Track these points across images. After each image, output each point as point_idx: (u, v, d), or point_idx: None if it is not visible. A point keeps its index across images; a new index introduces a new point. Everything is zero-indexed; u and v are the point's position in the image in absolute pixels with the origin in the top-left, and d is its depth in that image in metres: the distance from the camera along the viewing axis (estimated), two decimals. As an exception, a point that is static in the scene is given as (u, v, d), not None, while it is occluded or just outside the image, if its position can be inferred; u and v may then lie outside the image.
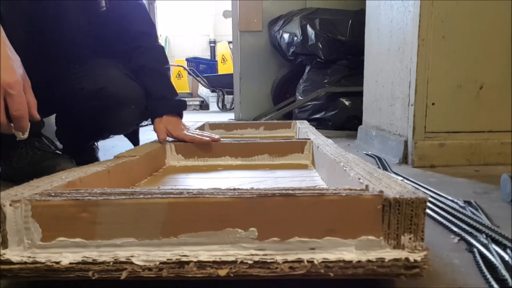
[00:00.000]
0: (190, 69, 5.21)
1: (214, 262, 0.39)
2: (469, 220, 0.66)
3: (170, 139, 1.01)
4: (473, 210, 0.73)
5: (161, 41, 5.40)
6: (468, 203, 0.78)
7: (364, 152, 1.46)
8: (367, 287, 0.44)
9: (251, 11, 2.78)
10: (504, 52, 1.18)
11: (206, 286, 0.43)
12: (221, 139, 1.02)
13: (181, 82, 5.91)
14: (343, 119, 2.19)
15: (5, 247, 0.41)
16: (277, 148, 0.99)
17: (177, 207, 0.40)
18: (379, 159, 1.30)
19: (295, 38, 2.36)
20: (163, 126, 0.99)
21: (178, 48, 6.71)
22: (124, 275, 0.39)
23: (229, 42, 5.04)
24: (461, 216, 0.68)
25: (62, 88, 1.01)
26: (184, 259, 0.39)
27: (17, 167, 1.00)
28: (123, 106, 1.01)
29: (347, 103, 2.19)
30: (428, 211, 0.72)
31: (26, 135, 0.67)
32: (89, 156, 1.22)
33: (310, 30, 2.29)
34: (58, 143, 1.21)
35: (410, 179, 0.99)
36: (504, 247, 0.54)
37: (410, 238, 0.40)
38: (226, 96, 5.03)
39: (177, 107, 1.03)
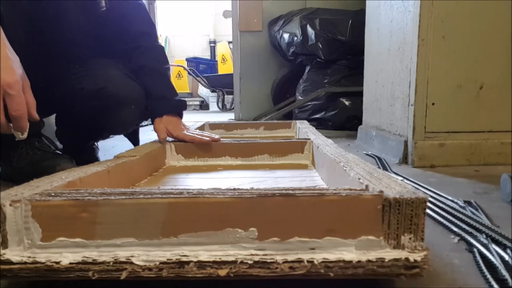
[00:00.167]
0: (190, 69, 5.21)
1: (214, 262, 0.39)
2: (469, 220, 0.66)
3: (170, 139, 1.01)
4: (473, 210, 0.73)
5: (161, 41, 5.41)
6: (468, 203, 0.78)
7: (364, 152, 1.46)
8: (367, 287, 0.44)
9: (251, 11, 2.78)
10: (504, 52, 1.18)
11: (206, 286, 0.43)
12: (221, 139, 1.02)
13: (181, 82, 5.91)
14: (343, 119, 2.19)
15: (5, 247, 0.41)
16: (277, 148, 0.99)
17: (177, 207, 0.40)
18: (379, 159, 1.30)
19: (295, 38, 2.36)
20: (163, 126, 0.99)
21: (178, 48, 6.71)
22: (124, 275, 0.39)
23: (229, 42, 5.04)
24: (461, 216, 0.68)
25: (62, 88, 1.01)
26: (184, 259, 0.39)
27: (17, 167, 1.00)
28: (123, 106, 1.01)
29: (347, 103, 2.19)
30: (428, 211, 0.72)
31: (26, 135, 0.67)
32: (89, 156, 1.22)
33: (310, 30, 2.29)
34: (58, 143, 1.21)
35: (410, 179, 0.99)
36: (504, 247, 0.54)
37: (410, 238, 0.40)
38: (226, 96, 5.03)
39: (177, 107, 1.03)
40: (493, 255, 0.52)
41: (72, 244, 0.41)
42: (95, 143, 1.29)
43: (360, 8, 2.17)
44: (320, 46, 2.25)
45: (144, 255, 0.40)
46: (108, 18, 1.03)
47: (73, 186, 0.53)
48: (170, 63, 1.17)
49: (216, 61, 6.06)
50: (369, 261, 0.39)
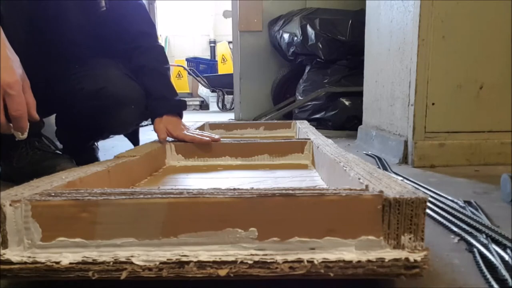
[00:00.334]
0: (190, 69, 5.21)
1: (214, 262, 0.39)
2: (469, 220, 0.66)
3: (170, 139, 1.01)
4: (473, 210, 0.73)
5: (161, 41, 5.41)
6: (468, 203, 0.78)
7: (364, 152, 1.46)
8: (367, 287, 0.44)
9: (251, 11, 2.78)
10: (504, 52, 1.18)
11: (206, 286, 0.43)
12: (221, 139, 1.02)
13: (181, 82, 5.91)
14: (343, 119, 2.19)
15: (5, 247, 0.41)
16: (277, 148, 0.99)
17: (177, 207, 0.40)
18: (379, 159, 1.30)
19: (295, 38, 2.36)
20: (163, 126, 0.99)
21: (178, 48, 6.71)
22: (124, 275, 0.39)
23: (229, 42, 5.04)
24: (461, 216, 0.68)
25: (62, 88, 1.01)
26: (184, 259, 0.39)
27: (17, 167, 1.00)
28: (123, 106, 1.01)
29: (347, 103, 2.19)
30: (428, 211, 0.72)
31: (25, 135, 0.67)
32: (89, 156, 1.22)
33: (310, 30, 2.29)
34: (58, 143, 1.21)
35: (410, 179, 0.99)
36: (504, 247, 0.54)
37: (410, 238, 0.40)
38: (226, 96, 5.03)
39: (177, 107, 1.03)
40: (493, 255, 0.52)
41: (72, 244, 0.41)
42: (95, 143, 1.29)
43: (360, 8, 2.17)
44: (320, 46, 2.25)
45: (144, 255, 0.40)
46: (108, 18, 1.03)
47: (73, 186, 0.53)
48: (170, 63, 1.17)
49: (216, 61, 6.06)
50: (369, 261, 0.39)
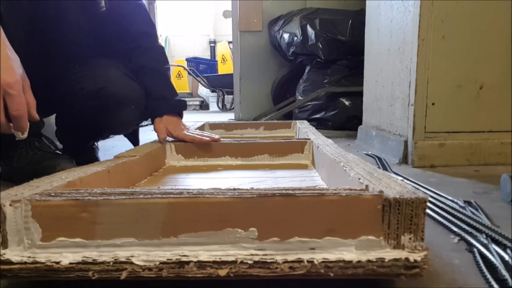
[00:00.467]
0: (190, 69, 5.21)
1: (214, 262, 0.39)
2: (469, 220, 0.66)
3: (170, 139, 1.01)
4: (473, 210, 0.73)
5: (161, 41, 5.41)
6: (468, 203, 0.78)
7: (364, 152, 1.46)
8: (367, 287, 0.44)
9: (251, 11, 2.78)
10: (504, 52, 1.18)
11: (206, 286, 0.43)
12: (221, 139, 1.02)
13: (181, 82, 5.91)
14: (343, 119, 2.19)
15: (5, 247, 0.41)
16: (277, 148, 0.99)
17: (177, 207, 0.40)
18: (379, 159, 1.30)
19: (295, 38, 2.36)
20: (163, 126, 0.99)
21: (178, 48, 6.71)
22: (124, 275, 0.39)
23: (229, 42, 5.04)
24: (461, 216, 0.68)
25: (62, 88, 1.01)
26: (184, 259, 0.39)
27: (17, 167, 1.00)
28: (123, 106, 1.01)
29: (347, 103, 2.19)
30: (428, 211, 0.72)
31: (26, 135, 0.67)
32: (89, 156, 1.22)
33: (310, 30, 2.29)
34: (58, 143, 1.21)
35: (410, 179, 0.99)
36: (504, 247, 0.54)
37: (410, 238, 0.40)
38: (226, 96, 5.03)
39: (177, 107, 1.03)
40: (493, 255, 0.52)
41: (72, 244, 0.41)
42: (95, 143, 1.29)
43: (360, 8, 2.17)
44: (320, 46, 2.25)
45: (144, 255, 0.40)
46: (108, 18, 1.03)
47: (73, 186, 0.53)
48: (170, 63, 1.17)
49: (216, 61, 6.06)
50: (369, 261, 0.39)
